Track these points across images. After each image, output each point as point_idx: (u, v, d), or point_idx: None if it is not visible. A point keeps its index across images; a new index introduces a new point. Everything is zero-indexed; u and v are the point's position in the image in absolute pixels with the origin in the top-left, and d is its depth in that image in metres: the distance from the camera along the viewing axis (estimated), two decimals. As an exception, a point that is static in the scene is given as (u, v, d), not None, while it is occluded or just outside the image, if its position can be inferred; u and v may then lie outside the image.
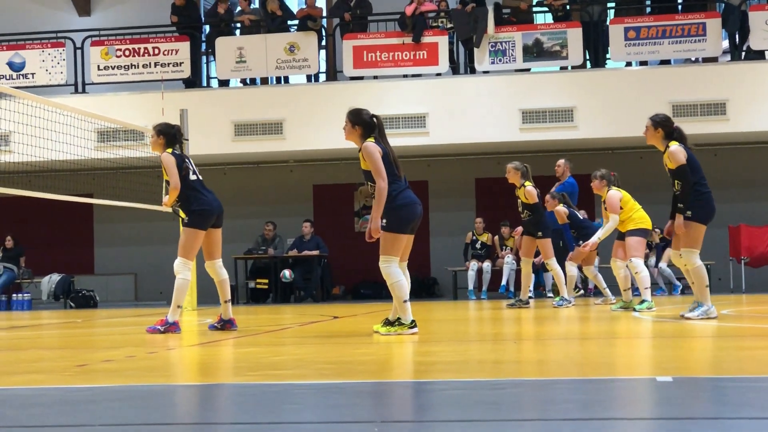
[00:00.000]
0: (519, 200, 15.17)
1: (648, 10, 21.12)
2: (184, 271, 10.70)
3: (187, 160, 10.92)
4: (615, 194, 13.91)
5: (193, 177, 10.82)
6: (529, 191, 14.92)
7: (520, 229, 15.72)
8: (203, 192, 10.81)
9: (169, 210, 11.50)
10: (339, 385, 6.01)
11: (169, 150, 10.84)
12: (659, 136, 10.92)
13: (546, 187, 16.41)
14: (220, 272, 10.96)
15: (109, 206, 17.68)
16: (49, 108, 14.92)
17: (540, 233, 15.10)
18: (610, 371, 6.63)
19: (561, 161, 16.87)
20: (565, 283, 15.58)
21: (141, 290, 23.97)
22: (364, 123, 9.69)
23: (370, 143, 9.54)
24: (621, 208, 13.86)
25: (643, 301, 13.42)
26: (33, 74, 21.57)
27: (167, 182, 10.77)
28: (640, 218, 13.81)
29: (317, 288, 21.66)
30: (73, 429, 4.73)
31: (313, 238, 21.77)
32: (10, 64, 21.65)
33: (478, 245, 21.19)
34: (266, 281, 21.86)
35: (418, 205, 9.69)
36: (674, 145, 10.75)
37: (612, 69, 20.93)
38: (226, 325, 11.01)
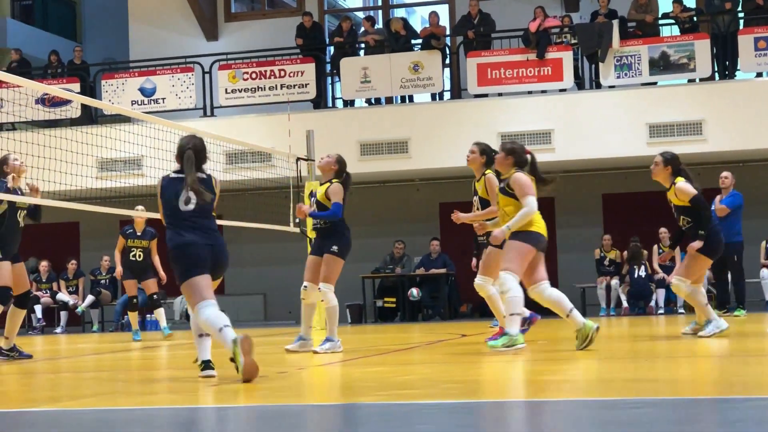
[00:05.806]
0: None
1: (779, 19, 20.65)
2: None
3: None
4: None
5: None
6: None
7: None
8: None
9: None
10: (466, 405, 5.99)
11: None
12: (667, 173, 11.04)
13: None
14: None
15: (238, 227, 17.93)
16: (179, 132, 15.19)
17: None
18: (745, 390, 6.48)
19: (728, 174, 16.37)
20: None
21: (270, 310, 24.23)
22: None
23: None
24: None
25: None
26: (163, 99, 22.03)
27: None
28: None
29: (445, 306, 21.62)
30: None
31: (441, 255, 21.77)
32: (142, 90, 22.16)
33: (606, 262, 20.92)
34: (394, 300, 21.90)
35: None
36: (681, 181, 10.93)
37: (742, 80, 20.47)
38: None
